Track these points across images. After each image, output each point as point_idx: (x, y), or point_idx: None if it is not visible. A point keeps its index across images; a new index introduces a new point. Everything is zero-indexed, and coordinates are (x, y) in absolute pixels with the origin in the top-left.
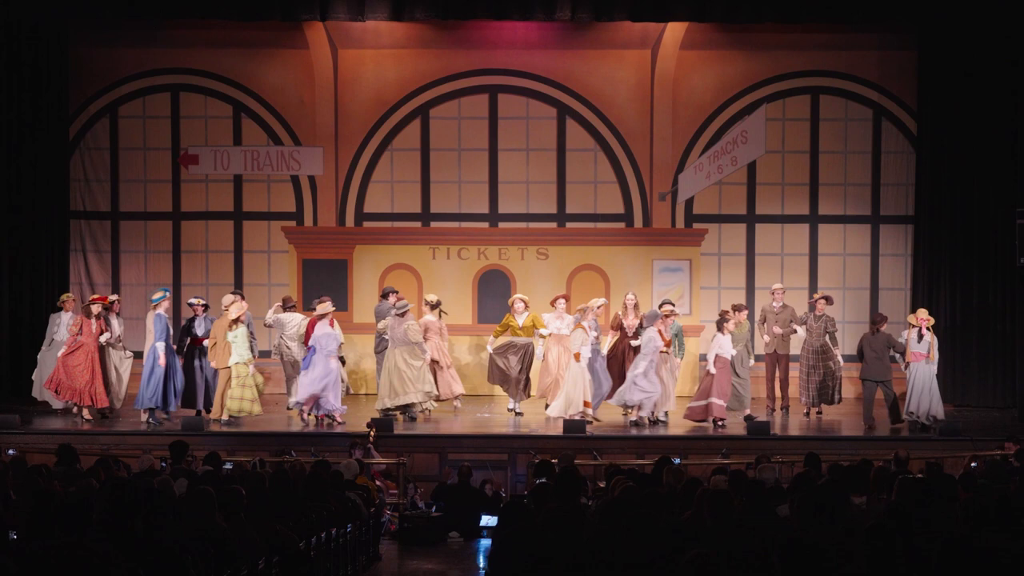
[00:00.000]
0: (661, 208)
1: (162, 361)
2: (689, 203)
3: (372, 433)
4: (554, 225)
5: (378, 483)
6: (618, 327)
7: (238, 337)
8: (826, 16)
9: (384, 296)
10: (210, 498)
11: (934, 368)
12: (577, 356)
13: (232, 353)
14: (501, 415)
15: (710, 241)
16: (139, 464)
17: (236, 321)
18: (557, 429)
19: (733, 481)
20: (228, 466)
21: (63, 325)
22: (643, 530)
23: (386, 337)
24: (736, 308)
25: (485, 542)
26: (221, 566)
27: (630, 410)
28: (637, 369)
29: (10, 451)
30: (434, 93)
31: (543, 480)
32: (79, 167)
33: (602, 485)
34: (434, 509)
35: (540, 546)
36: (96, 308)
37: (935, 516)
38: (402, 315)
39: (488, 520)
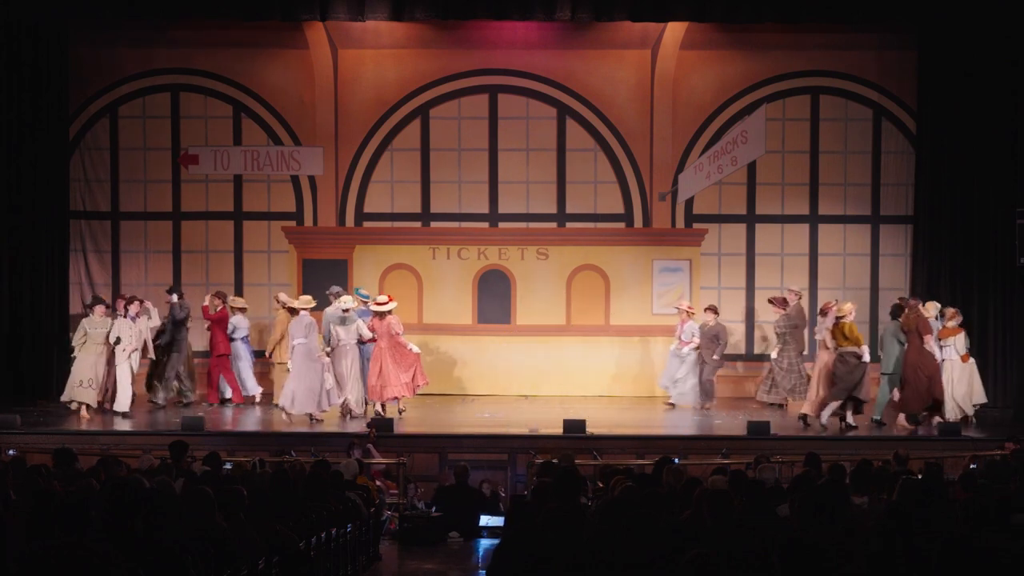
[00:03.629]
0: (661, 208)
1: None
2: (689, 203)
3: (372, 433)
4: (554, 225)
5: (378, 483)
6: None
7: None
8: (826, 16)
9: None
10: (209, 498)
11: None
12: (965, 357)
13: None
14: (501, 415)
15: (710, 241)
16: (139, 464)
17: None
18: (558, 429)
19: (733, 481)
20: (228, 466)
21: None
22: (643, 530)
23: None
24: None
25: (485, 542)
26: (221, 566)
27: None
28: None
29: (10, 451)
30: (434, 93)
31: (544, 478)
32: (79, 167)
33: (602, 485)
34: (434, 510)
35: (540, 546)
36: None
37: (935, 516)
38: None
39: (488, 520)
